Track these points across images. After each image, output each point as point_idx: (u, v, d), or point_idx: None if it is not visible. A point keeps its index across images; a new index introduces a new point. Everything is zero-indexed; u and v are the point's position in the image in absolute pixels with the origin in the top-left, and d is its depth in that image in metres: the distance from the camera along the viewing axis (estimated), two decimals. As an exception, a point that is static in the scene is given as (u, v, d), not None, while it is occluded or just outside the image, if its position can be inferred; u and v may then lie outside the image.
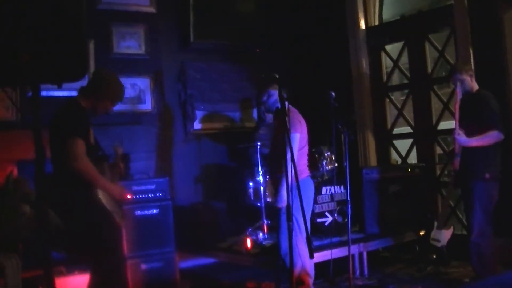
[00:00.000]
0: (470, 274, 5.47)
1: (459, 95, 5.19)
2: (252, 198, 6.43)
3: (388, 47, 7.54)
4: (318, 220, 6.00)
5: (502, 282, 3.05)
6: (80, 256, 4.78)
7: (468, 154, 5.12)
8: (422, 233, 6.26)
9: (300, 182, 4.43)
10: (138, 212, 5.45)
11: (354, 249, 5.79)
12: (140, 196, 5.52)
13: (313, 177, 6.40)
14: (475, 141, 5.08)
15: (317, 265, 5.44)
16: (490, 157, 5.10)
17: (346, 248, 5.23)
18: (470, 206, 5.19)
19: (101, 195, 4.16)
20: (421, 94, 7.07)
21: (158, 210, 5.55)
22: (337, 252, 5.59)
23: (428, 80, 6.99)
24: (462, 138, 5.11)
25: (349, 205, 5.18)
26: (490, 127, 5.03)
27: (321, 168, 6.32)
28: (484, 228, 5.11)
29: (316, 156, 6.40)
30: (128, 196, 5.19)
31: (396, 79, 7.97)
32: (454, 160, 5.22)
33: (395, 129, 7.55)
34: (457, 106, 5.21)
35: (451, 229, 5.63)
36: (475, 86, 5.24)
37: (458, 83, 5.19)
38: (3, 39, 2.58)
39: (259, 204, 6.35)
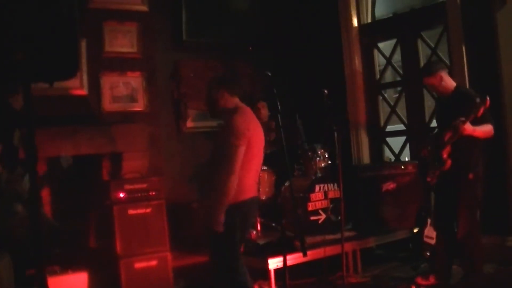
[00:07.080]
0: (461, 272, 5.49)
1: None
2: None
3: (380, 45, 7.55)
4: (312, 218, 6.00)
5: (491, 279, 3.08)
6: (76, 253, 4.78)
7: (452, 155, 4.98)
8: (415, 230, 6.27)
9: (246, 203, 4.15)
10: (132, 211, 5.43)
11: (348, 246, 5.77)
12: (133, 195, 5.50)
13: (306, 174, 6.43)
14: (480, 130, 4.89)
15: (311, 263, 5.45)
16: (474, 157, 5.03)
17: (340, 245, 5.24)
18: (454, 207, 5.13)
19: None
20: (414, 92, 7.08)
21: (151, 209, 5.53)
22: (331, 250, 5.58)
23: (421, 77, 6.98)
24: (470, 126, 4.83)
25: (343, 203, 5.18)
26: (484, 122, 4.89)
27: (315, 166, 6.32)
28: (470, 228, 5.05)
29: (310, 153, 6.41)
30: (121, 195, 5.19)
31: (389, 76, 8.00)
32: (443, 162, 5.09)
33: (388, 127, 7.57)
34: None
35: (445, 226, 5.63)
36: (451, 84, 5.14)
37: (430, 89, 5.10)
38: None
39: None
